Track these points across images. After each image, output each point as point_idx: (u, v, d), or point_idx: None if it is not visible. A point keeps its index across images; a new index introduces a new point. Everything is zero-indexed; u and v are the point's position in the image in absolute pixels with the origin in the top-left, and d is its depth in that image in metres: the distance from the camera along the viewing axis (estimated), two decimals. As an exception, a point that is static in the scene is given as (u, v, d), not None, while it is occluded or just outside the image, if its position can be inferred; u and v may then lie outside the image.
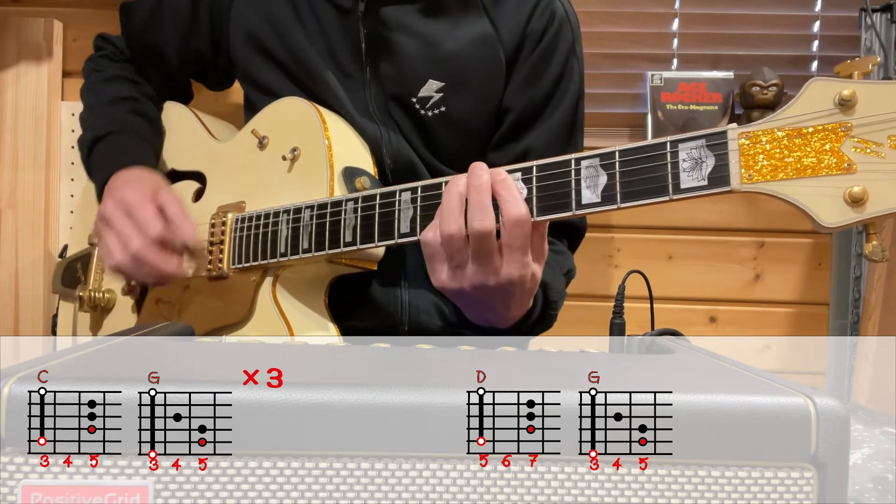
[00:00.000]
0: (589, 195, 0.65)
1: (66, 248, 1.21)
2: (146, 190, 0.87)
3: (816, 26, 1.47)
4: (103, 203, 0.89)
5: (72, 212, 1.45)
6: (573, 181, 0.65)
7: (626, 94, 1.50)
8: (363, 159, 0.90)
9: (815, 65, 1.48)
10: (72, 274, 1.13)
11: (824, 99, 0.56)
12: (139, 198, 0.86)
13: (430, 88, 0.92)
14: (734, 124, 0.60)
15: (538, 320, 0.86)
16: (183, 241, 0.86)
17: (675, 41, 1.49)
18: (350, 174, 0.85)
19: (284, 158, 0.89)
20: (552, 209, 0.67)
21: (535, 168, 0.68)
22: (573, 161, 0.66)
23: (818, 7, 1.47)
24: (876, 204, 0.54)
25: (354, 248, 0.78)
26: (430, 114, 0.92)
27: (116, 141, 0.99)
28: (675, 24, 1.49)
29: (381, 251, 0.87)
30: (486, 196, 0.67)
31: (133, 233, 0.84)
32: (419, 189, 0.74)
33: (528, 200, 0.68)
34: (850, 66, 0.56)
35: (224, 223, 0.92)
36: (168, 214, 0.86)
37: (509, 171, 0.69)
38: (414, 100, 0.92)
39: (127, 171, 0.93)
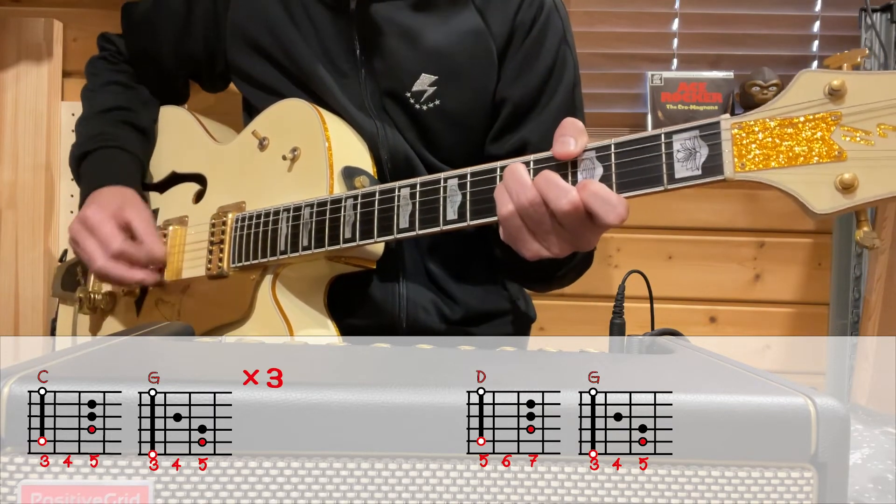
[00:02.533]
0: None
1: (66, 252, 1.21)
2: (110, 207, 0.93)
3: (816, 26, 1.47)
4: (71, 222, 0.95)
5: (72, 212, 1.45)
6: (570, 173, 0.66)
7: (626, 94, 1.50)
8: (362, 159, 0.90)
9: (815, 65, 1.48)
10: (72, 277, 1.13)
11: (815, 89, 0.57)
12: (99, 215, 0.91)
13: (424, 83, 0.92)
14: (726, 115, 0.60)
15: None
16: (147, 255, 0.92)
17: (675, 41, 1.49)
18: (349, 173, 0.86)
19: (284, 158, 0.89)
20: None
21: (532, 161, 0.68)
22: None
23: (818, 7, 1.47)
24: (866, 190, 0.55)
25: (354, 244, 0.79)
26: (424, 108, 0.93)
27: (99, 158, 1.02)
28: (675, 24, 1.49)
29: (380, 249, 0.88)
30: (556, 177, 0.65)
31: (95, 249, 0.91)
32: (417, 185, 0.75)
33: None
34: (840, 58, 0.58)
35: (224, 223, 0.93)
36: (134, 229, 0.92)
37: (507, 166, 0.69)
38: (408, 94, 0.92)
39: (100, 191, 0.97)
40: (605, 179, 0.64)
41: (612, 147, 0.64)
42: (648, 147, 0.63)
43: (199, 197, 1.01)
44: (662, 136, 0.62)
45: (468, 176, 0.71)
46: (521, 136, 0.94)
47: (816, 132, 0.57)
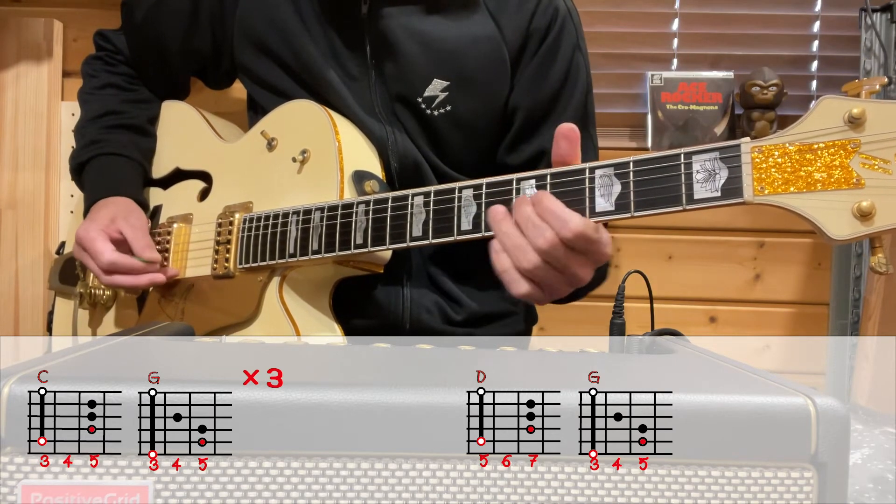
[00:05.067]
0: (603, 203, 0.65)
1: (63, 244, 1.21)
2: (102, 222, 0.94)
3: (816, 26, 1.47)
4: (74, 241, 0.97)
5: (72, 211, 1.45)
6: (587, 189, 0.66)
7: (626, 94, 1.50)
8: (372, 163, 0.90)
9: (815, 65, 1.48)
10: (70, 271, 1.13)
11: (834, 116, 0.58)
12: (92, 233, 0.93)
13: (436, 88, 0.92)
14: (747, 138, 0.61)
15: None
16: (137, 254, 0.93)
17: (675, 41, 1.49)
18: (359, 177, 0.85)
19: (294, 160, 0.89)
20: None
21: (549, 175, 0.68)
22: (587, 170, 0.66)
23: (818, 7, 1.47)
24: (883, 218, 0.56)
25: (365, 250, 0.78)
26: (435, 113, 0.93)
27: (94, 169, 1.03)
28: (675, 24, 1.49)
29: (388, 254, 0.87)
30: (537, 218, 0.67)
31: (93, 265, 0.93)
32: (432, 193, 0.74)
33: None
34: (858, 85, 0.59)
35: (231, 223, 0.92)
36: (125, 237, 0.94)
37: (523, 178, 0.69)
38: (419, 99, 0.92)
39: (96, 205, 0.99)
40: (622, 197, 0.64)
41: (631, 165, 0.64)
42: (668, 167, 0.63)
43: (204, 195, 1.01)
44: (682, 156, 0.62)
45: (484, 187, 0.71)
46: (538, 144, 0.94)
47: (835, 159, 0.58)
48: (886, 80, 0.68)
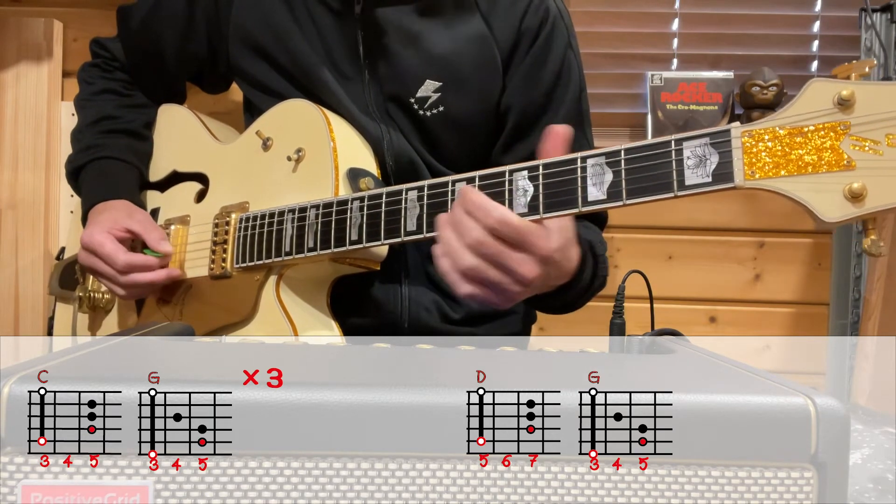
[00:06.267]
0: (595, 192, 0.65)
1: (63, 250, 1.21)
2: (105, 224, 0.94)
3: (816, 26, 1.47)
4: (79, 251, 0.97)
5: (72, 212, 1.45)
6: (579, 179, 0.66)
7: (626, 94, 1.50)
8: (367, 161, 0.90)
9: (815, 65, 1.48)
10: (70, 275, 1.13)
11: (824, 98, 0.58)
12: (98, 237, 0.92)
13: (428, 88, 0.92)
14: (737, 123, 0.61)
15: (592, 277, 0.87)
16: (152, 247, 0.94)
17: (675, 41, 1.49)
18: (354, 175, 0.86)
19: (289, 159, 0.89)
20: (558, 206, 0.67)
21: (541, 166, 0.68)
22: (579, 159, 0.66)
23: (818, 7, 1.47)
24: (875, 199, 0.56)
25: (360, 246, 0.79)
26: (428, 114, 0.93)
27: (91, 172, 1.03)
28: (675, 24, 1.49)
29: (384, 251, 0.88)
30: (464, 216, 0.68)
31: (106, 269, 0.92)
32: (425, 188, 0.74)
33: (535, 198, 0.68)
34: (848, 68, 0.58)
35: (228, 223, 0.93)
36: (135, 234, 0.94)
37: (515, 170, 0.69)
38: (412, 100, 0.92)
39: (94, 209, 0.98)
40: (614, 185, 0.64)
41: (622, 153, 0.64)
42: (658, 153, 0.63)
43: (200, 196, 1.01)
44: (672, 142, 0.62)
45: (477, 179, 0.71)
46: (532, 144, 0.94)
47: (825, 141, 0.57)
48: (875, 62, 0.68)
